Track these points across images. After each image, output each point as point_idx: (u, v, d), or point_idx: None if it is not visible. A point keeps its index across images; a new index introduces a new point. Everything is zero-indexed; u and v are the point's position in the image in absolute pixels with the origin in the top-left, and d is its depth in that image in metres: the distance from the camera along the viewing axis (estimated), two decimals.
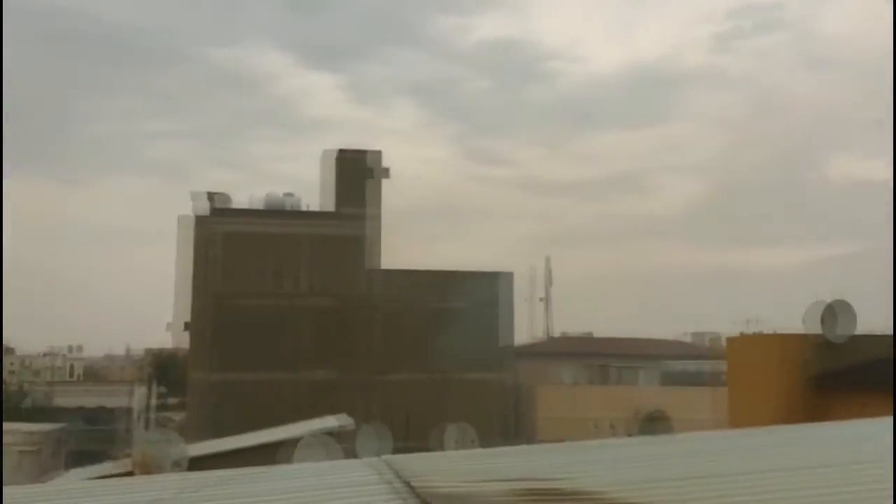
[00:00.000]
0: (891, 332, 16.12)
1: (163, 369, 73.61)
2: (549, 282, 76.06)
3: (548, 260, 77.60)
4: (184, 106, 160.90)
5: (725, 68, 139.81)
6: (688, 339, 52.53)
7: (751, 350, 15.83)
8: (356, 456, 15.31)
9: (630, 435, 16.73)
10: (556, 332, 65.51)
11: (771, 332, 20.10)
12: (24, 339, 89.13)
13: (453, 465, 7.90)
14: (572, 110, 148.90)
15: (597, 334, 55.06)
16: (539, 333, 67.93)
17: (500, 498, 5.34)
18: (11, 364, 75.08)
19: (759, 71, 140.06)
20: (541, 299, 75.84)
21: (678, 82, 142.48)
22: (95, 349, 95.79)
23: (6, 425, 34.33)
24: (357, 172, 35.08)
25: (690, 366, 39.15)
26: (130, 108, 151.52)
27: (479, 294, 34.84)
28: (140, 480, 9.46)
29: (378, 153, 35.98)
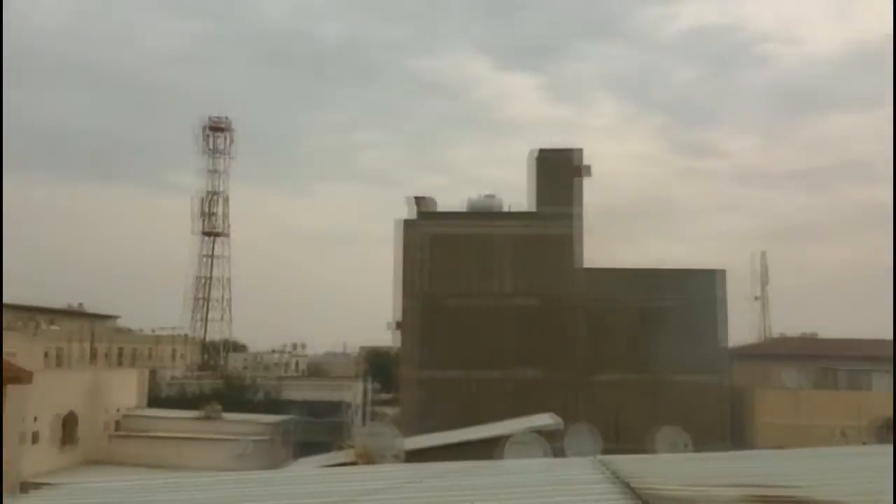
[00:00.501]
0: None
1: (377, 366, 77.53)
2: (765, 279, 71.78)
3: (763, 256, 73.21)
4: (391, 115, 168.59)
5: None
6: None
7: None
8: (564, 455, 15.28)
9: (864, 444, 15.32)
10: (775, 333, 61.64)
11: None
12: (255, 337, 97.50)
13: (671, 468, 7.67)
14: (789, 95, 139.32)
15: (821, 335, 51.12)
16: (755, 334, 64.25)
17: None
18: (245, 360, 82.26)
19: None
20: (756, 298, 71.77)
21: None
22: (317, 347, 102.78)
23: (244, 416, 37.69)
24: (558, 172, 34.98)
25: None
26: (344, 120, 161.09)
27: (691, 293, 33.49)
28: (367, 470, 10.01)
29: (579, 151, 35.66)
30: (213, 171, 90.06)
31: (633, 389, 32.32)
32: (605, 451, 13.44)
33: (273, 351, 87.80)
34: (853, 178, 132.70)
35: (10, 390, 22.43)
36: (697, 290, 33.57)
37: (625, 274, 34.53)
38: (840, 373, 37.11)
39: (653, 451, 17.29)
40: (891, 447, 9.04)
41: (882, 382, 34.18)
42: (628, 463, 7.51)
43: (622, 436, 24.21)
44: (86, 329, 61.78)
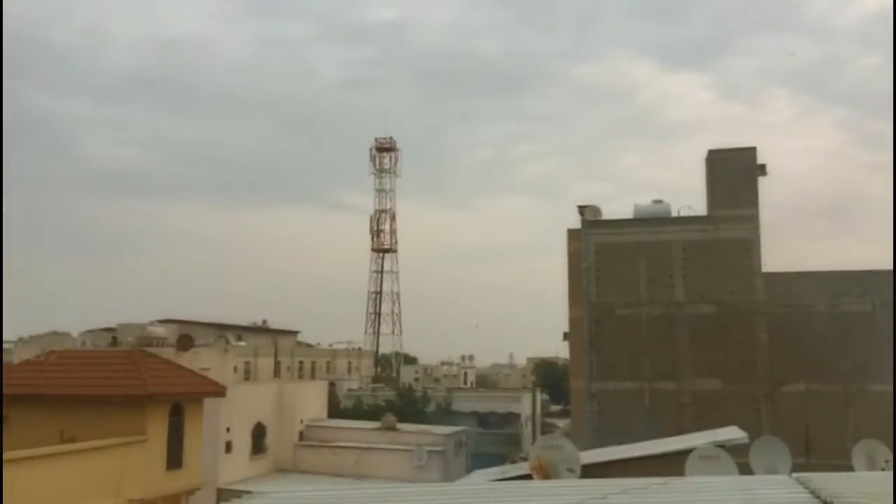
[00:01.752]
0: None
1: (545, 377, 77.21)
2: None
3: None
4: (553, 126, 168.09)
5: None
6: None
7: None
8: (750, 471, 14.51)
9: None
10: None
11: None
12: (424, 350, 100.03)
13: (877, 487, 7.10)
14: None
15: None
16: None
17: None
18: (416, 372, 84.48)
19: None
20: None
21: None
22: (484, 359, 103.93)
23: (419, 427, 38.69)
24: (731, 172, 33.44)
25: None
26: (505, 132, 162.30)
27: (882, 295, 30.92)
28: (548, 484, 9.97)
29: (753, 150, 33.92)
30: (381, 190, 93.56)
31: (823, 401, 30.19)
32: (795, 468, 12.65)
33: (442, 363, 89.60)
34: None
35: (206, 403, 24.26)
36: (889, 291, 30.94)
37: (809, 277, 32.40)
38: None
39: (849, 467, 16.09)
40: None
41: None
42: (829, 481, 7.02)
43: (812, 451, 22.69)
44: (270, 344, 65.77)
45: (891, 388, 29.54)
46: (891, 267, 31.93)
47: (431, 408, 53.75)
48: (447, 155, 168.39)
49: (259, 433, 34.95)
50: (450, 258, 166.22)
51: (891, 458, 17.38)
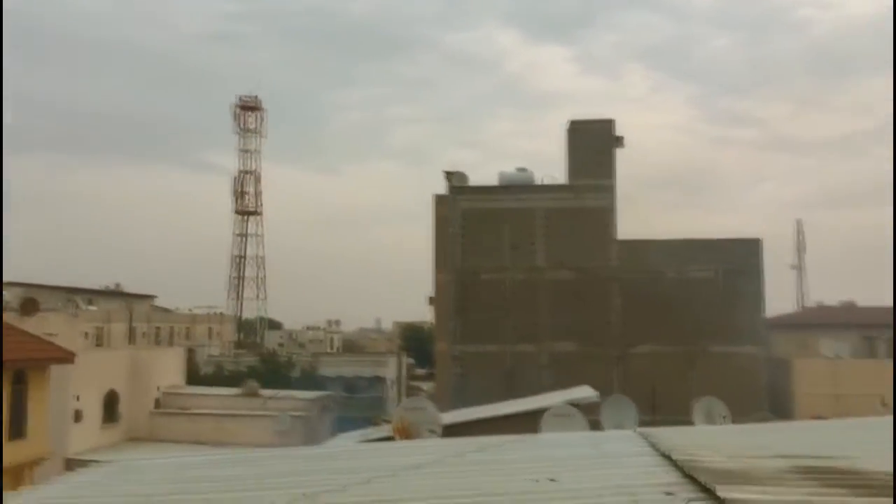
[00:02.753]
0: None
1: (412, 341, 78.03)
2: (801, 247, 70.75)
3: (799, 224, 72.16)
4: (421, 91, 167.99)
5: None
6: None
7: None
8: (601, 428, 15.26)
9: None
10: (812, 301, 60.82)
11: None
12: (290, 315, 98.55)
13: (712, 440, 7.62)
14: (826, 60, 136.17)
15: (860, 303, 50.35)
16: (793, 303, 63.46)
17: (774, 475, 5.07)
18: (280, 337, 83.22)
19: None
20: (792, 266, 70.81)
21: None
22: (351, 324, 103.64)
23: (282, 392, 38.22)
24: (591, 143, 34.64)
25: None
26: (377, 96, 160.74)
27: (727, 262, 33.11)
28: (408, 444, 10.09)
29: (610, 122, 35.25)
30: (245, 151, 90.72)
31: (670, 361, 32.14)
32: (642, 424, 13.40)
33: (308, 328, 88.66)
34: (889, 142, 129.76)
35: (53, 370, 22.98)
36: (734, 259, 33.18)
37: (660, 245, 34.21)
38: (880, 341, 36.54)
39: (690, 422, 17.19)
40: None
41: None
42: (668, 435, 7.48)
43: (659, 408, 24.11)
44: (124, 309, 62.92)
45: (731, 349, 31.83)
46: (733, 237, 34.21)
47: (296, 373, 53.19)
48: (317, 117, 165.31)
49: (111, 401, 33.46)
50: (318, 222, 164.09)
51: (727, 413, 18.73)
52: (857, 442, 6.88)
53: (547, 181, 35.52)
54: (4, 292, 39.13)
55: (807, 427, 8.36)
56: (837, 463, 5.55)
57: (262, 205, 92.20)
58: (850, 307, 49.93)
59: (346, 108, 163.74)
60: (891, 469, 5.27)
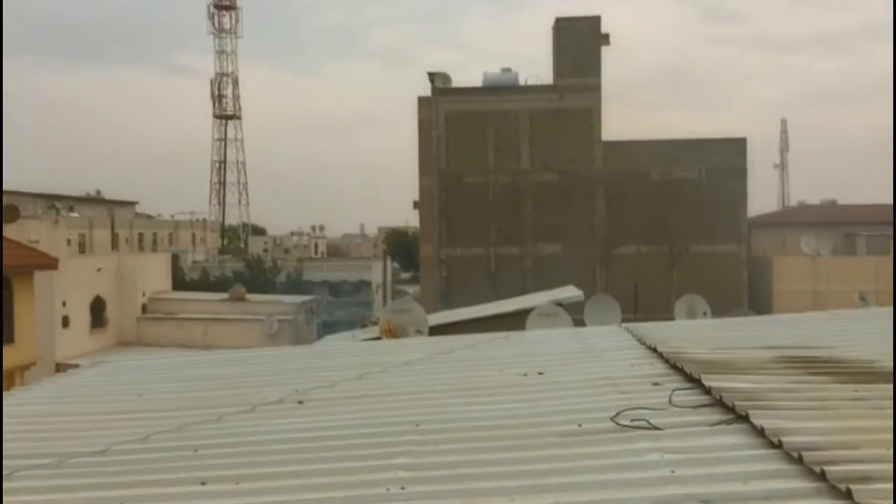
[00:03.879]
0: None
1: (397, 246, 78.33)
2: (784, 147, 70.71)
3: (784, 123, 71.89)
4: None
5: None
6: None
7: None
8: (585, 325, 15.51)
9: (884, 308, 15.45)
10: (795, 201, 61.28)
11: None
12: (273, 221, 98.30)
13: (695, 333, 7.77)
14: None
15: (841, 202, 50.79)
16: (776, 202, 63.94)
17: (758, 365, 5.18)
18: (265, 243, 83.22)
19: None
20: (776, 166, 70.97)
21: None
22: (336, 229, 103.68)
23: (268, 297, 38.54)
24: (576, 42, 33.89)
25: None
26: None
27: (711, 162, 33.07)
28: (397, 343, 10.24)
29: (597, 19, 34.42)
30: (221, 52, 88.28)
31: (653, 261, 32.47)
32: (625, 322, 13.63)
33: (292, 233, 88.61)
34: (878, 39, 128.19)
35: (37, 277, 22.94)
36: (718, 159, 33.12)
37: (645, 146, 34.02)
38: (858, 238, 37.06)
39: (672, 320, 17.49)
40: None
41: None
42: (653, 330, 7.61)
43: (641, 306, 24.49)
44: (106, 216, 62.48)
45: (713, 248, 32.20)
46: (719, 136, 34.07)
47: (282, 278, 53.46)
48: (294, 17, 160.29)
49: (98, 307, 33.64)
50: (299, 126, 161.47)
51: (708, 309, 19.09)
52: (839, 333, 7.03)
53: (532, 82, 34.91)
54: None
55: (788, 320, 8.53)
56: (819, 353, 5.68)
57: (240, 108, 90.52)
58: (831, 206, 50.38)
59: (322, 7, 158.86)
60: (872, 357, 5.40)
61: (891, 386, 4.33)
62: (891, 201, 41.47)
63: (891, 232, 34.70)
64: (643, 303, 25.03)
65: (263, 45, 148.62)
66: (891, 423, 3.59)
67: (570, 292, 17.57)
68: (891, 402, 3.97)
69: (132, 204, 74.70)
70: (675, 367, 5.44)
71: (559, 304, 16.01)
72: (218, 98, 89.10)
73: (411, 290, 55.36)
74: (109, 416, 5.48)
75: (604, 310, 17.35)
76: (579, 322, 15.90)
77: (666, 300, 25.52)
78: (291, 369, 6.99)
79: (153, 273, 38.02)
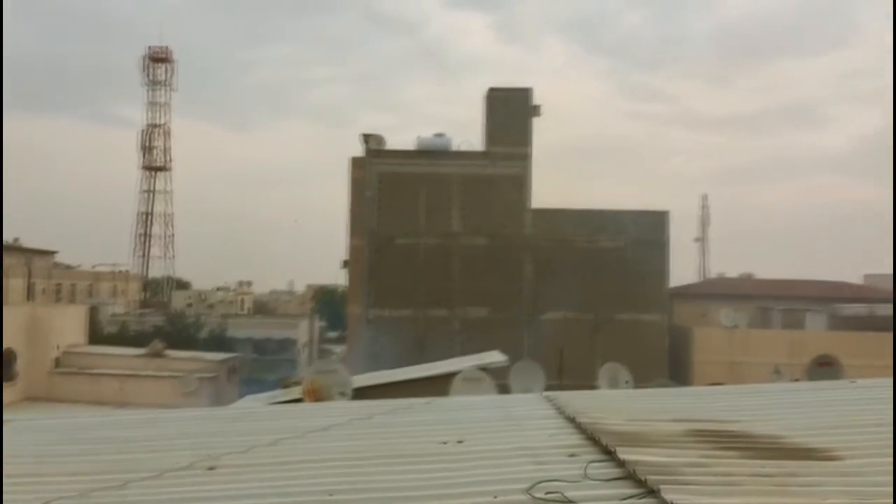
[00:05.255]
0: None
1: (325, 304, 77.50)
2: (706, 221, 73.28)
3: (705, 198, 74.63)
4: (341, 51, 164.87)
5: None
6: (861, 282, 49.19)
7: None
8: (510, 392, 15.54)
9: (797, 381, 15.98)
10: (714, 273, 63.28)
11: None
12: (199, 275, 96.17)
13: (615, 403, 7.86)
14: (735, 40, 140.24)
15: (758, 275, 52.68)
16: (695, 274, 65.89)
17: (671, 438, 5.27)
18: (189, 297, 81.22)
19: None
20: (697, 239, 73.35)
21: (851, 6, 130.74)
22: (263, 285, 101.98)
23: (189, 353, 37.44)
24: (508, 111, 34.81)
25: (863, 310, 36.67)
26: (294, 55, 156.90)
27: (634, 233, 34.04)
28: (316, 406, 10.05)
29: (528, 91, 35.48)
30: (154, 104, 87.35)
31: (578, 328, 32.95)
32: (549, 388, 13.71)
33: (218, 288, 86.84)
34: (795, 122, 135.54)
35: None
36: (641, 230, 34.14)
37: (572, 214, 34.86)
38: (774, 312, 38.38)
39: (595, 387, 17.67)
40: (823, 383, 9.42)
41: (815, 321, 35.48)
42: (573, 399, 7.68)
43: (566, 373, 24.70)
44: (23, 264, 60.16)
45: (636, 317, 32.86)
46: (639, 208, 35.15)
47: (204, 334, 52.16)
48: (232, 73, 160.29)
49: (7, 359, 32.08)
50: (231, 181, 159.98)
51: (630, 378, 19.34)
52: (751, 407, 7.21)
53: (464, 147, 35.59)
54: None
55: (703, 392, 8.73)
56: (730, 427, 5.81)
57: (171, 160, 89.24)
58: (748, 279, 52.19)
59: (261, 63, 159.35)
60: (780, 432, 5.56)
61: (796, 462, 4.46)
62: (803, 278, 43.24)
63: (803, 307, 36.12)
64: (568, 369, 25.25)
65: (199, 99, 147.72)
66: (794, 500, 3.70)
67: (494, 357, 17.59)
68: (795, 479, 4.09)
69: (51, 253, 72.17)
70: (592, 438, 5.49)
71: (483, 368, 16.01)
72: (148, 149, 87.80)
73: (338, 349, 54.70)
74: (4, 480, 5.19)
75: (529, 376, 17.40)
76: (504, 387, 15.92)
77: (591, 366, 25.75)
78: (204, 432, 6.78)
79: (68, 325, 36.61)
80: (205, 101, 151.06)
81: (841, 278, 47.58)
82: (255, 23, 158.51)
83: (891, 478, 4.03)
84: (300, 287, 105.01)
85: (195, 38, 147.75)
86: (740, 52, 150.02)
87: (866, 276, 50.81)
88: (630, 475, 4.29)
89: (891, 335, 25.98)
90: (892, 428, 5.50)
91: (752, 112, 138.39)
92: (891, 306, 33.76)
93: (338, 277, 50.87)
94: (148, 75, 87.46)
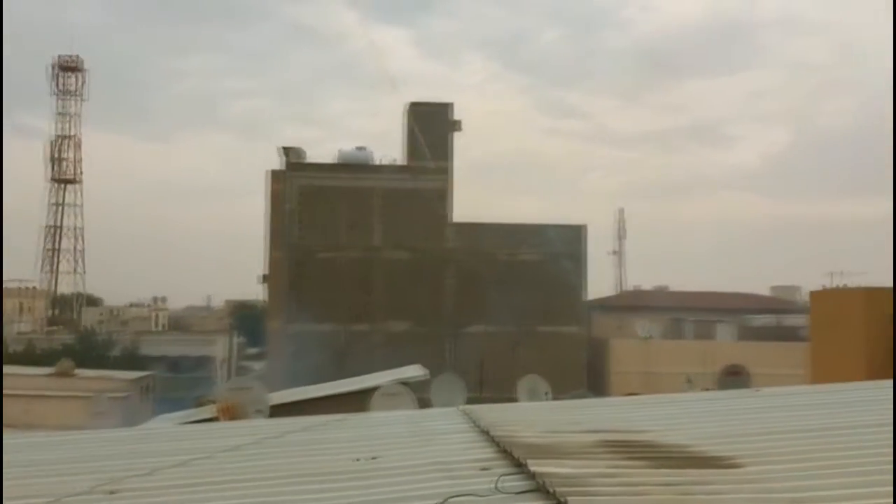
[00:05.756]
0: None
1: (244, 320, 75.96)
2: (621, 234, 75.10)
3: (621, 212, 76.55)
4: (261, 63, 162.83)
5: (805, 12, 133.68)
6: (769, 294, 51.20)
7: (835, 304, 15.34)
8: (431, 406, 15.52)
9: (707, 390, 16.51)
10: (630, 286, 64.81)
11: (856, 285, 19.42)
12: (111, 291, 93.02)
13: (530, 416, 7.93)
14: (648, 59, 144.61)
15: (672, 288, 54.21)
16: (612, 287, 67.36)
17: (582, 449, 5.32)
18: (101, 314, 78.44)
19: (841, 14, 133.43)
20: (613, 252, 75.08)
21: (758, 28, 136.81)
22: (179, 301, 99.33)
23: (100, 372, 36.10)
24: (429, 126, 35.00)
25: (771, 320, 38.18)
26: (213, 66, 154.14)
27: (553, 247, 34.62)
28: (227, 425, 9.80)
29: (449, 106, 35.78)
30: (63, 114, 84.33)
31: (499, 341, 33.23)
32: (470, 401, 13.75)
33: (131, 305, 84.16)
34: (705, 140, 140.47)
35: None
36: (560, 244, 34.75)
37: (493, 228, 35.23)
38: (687, 323, 39.55)
39: (515, 400, 17.81)
40: (730, 392, 9.74)
41: (725, 332, 36.73)
42: (489, 412, 7.70)
43: (487, 385, 24.88)
44: None
45: (555, 329, 33.34)
46: (557, 222, 35.79)
47: (116, 352, 50.45)
48: (148, 83, 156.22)
49: None
50: (146, 194, 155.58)
51: (549, 390, 19.58)
52: (661, 417, 7.37)
53: (385, 162, 35.60)
54: None
55: (616, 403, 8.89)
56: (639, 437, 5.92)
57: (81, 172, 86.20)
58: (662, 292, 53.65)
59: (178, 75, 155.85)
60: (687, 441, 5.69)
61: (700, 471, 4.57)
62: (714, 290, 44.71)
63: (714, 318, 37.36)
64: (489, 381, 25.43)
65: (113, 109, 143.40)
66: None
67: (414, 371, 17.57)
68: (699, 487, 4.17)
69: None
70: (504, 451, 5.50)
71: (404, 383, 15.95)
72: (57, 161, 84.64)
73: (258, 366, 53.62)
74: None
75: (449, 389, 17.42)
76: (425, 401, 15.89)
77: (511, 379, 26.01)
78: (108, 455, 6.51)
79: None
80: (119, 112, 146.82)
81: (750, 290, 49.43)
82: (171, 33, 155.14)
83: (789, 484, 4.17)
84: (218, 302, 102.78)
85: (110, 47, 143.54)
86: (652, 70, 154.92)
87: (773, 288, 52.95)
88: (540, 487, 4.31)
89: (796, 345, 27.11)
90: (792, 435, 5.71)
91: (665, 129, 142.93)
92: (796, 317, 35.24)
93: (257, 292, 50.00)
94: (57, 84, 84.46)
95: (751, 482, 4.31)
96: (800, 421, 6.34)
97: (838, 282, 33.30)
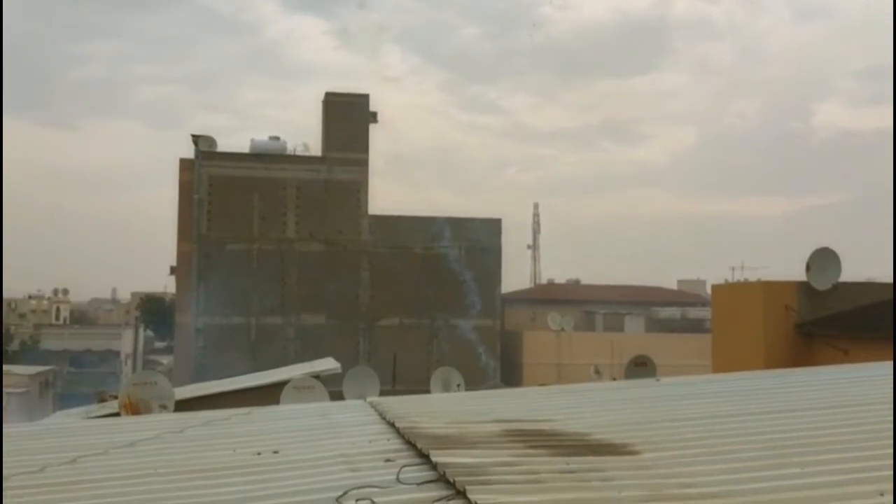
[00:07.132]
0: (878, 280, 16.25)
1: (152, 313, 73.72)
2: (536, 229, 76.25)
3: (536, 207, 77.71)
4: (173, 49, 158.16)
5: (714, 16, 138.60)
6: (675, 287, 52.93)
7: (736, 297, 15.96)
8: (343, 399, 15.40)
9: (614, 380, 16.94)
10: (544, 279, 65.91)
11: (756, 279, 20.26)
12: (8, 282, 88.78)
13: (438, 407, 7.94)
14: (563, 58, 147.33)
15: (584, 281, 55.38)
16: (528, 280, 68.34)
17: (485, 439, 5.36)
18: None
19: (747, 19, 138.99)
20: (528, 246, 76.16)
21: (668, 30, 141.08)
22: (82, 293, 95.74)
23: None
24: (346, 117, 34.65)
25: (677, 313, 39.47)
26: (119, 51, 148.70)
27: (469, 240, 34.82)
28: (127, 421, 9.48)
29: (365, 97, 35.49)
30: None
31: (415, 333, 33.27)
32: (383, 394, 13.70)
33: (30, 297, 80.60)
34: (616, 137, 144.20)
35: None
36: (476, 237, 34.99)
37: (410, 221, 35.17)
38: (597, 315, 40.50)
39: (429, 392, 17.85)
40: (631, 382, 9.99)
41: (633, 324, 37.76)
42: (398, 404, 7.67)
43: (402, 378, 24.85)
44: None
45: (470, 322, 33.58)
46: (478, 216, 36.03)
47: (15, 346, 48.30)
48: (51, 69, 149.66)
49: None
50: (50, 182, 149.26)
51: (462, 382, 19.70)
52: (566, 406, 7.50)
53: (300, 151, 35.08)
54: None
55: (523, 393, 9.00)
56: (541, 426, 6.00)
57: None
58: (575, 285, 54.77)
59: (84, 60, 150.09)
60: (587, 430, 5.80)
61: (598, 458, 4.65)
62: (624, 283, 45.88)
63: (623, 311, 38.35)
64: (405, 374, 25.42)
65: (15, 95, 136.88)
66: (593, 494, 3.83)
67: (327, 364, 17.40)
68: (596, 475, 4.25)
69: None
70: (409, 442, 5.48)
71: (316, 376, 15.76)
72: None
73: (165, 360, 52.16)
74: None
75: (363, 382, 17.29)
76: (338, 395, 15.74)
77: (426, 371, 26.09)
78: None
79: None
80: (22, 98, 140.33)
81: (657, 283, 51.00)
82: (76, 17, 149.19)
83: (681, 469, 4.29)
84: (124, 295, 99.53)
85: (7, 28, 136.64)
86: (568, 69, 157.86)
87: (679, 282, 54.75)
88: (440, 478, 4.31)
89: (700, 336, 28.08)
90: (692, 422, 5.89)
91: (578, 127, 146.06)
92: (700, 310, 36.51)
93: (166, 285, 48.65)
94: None
95: (645, 468, 4.42)
96: (696, 409, 6.55)
97: (740, 276, 34.77)
